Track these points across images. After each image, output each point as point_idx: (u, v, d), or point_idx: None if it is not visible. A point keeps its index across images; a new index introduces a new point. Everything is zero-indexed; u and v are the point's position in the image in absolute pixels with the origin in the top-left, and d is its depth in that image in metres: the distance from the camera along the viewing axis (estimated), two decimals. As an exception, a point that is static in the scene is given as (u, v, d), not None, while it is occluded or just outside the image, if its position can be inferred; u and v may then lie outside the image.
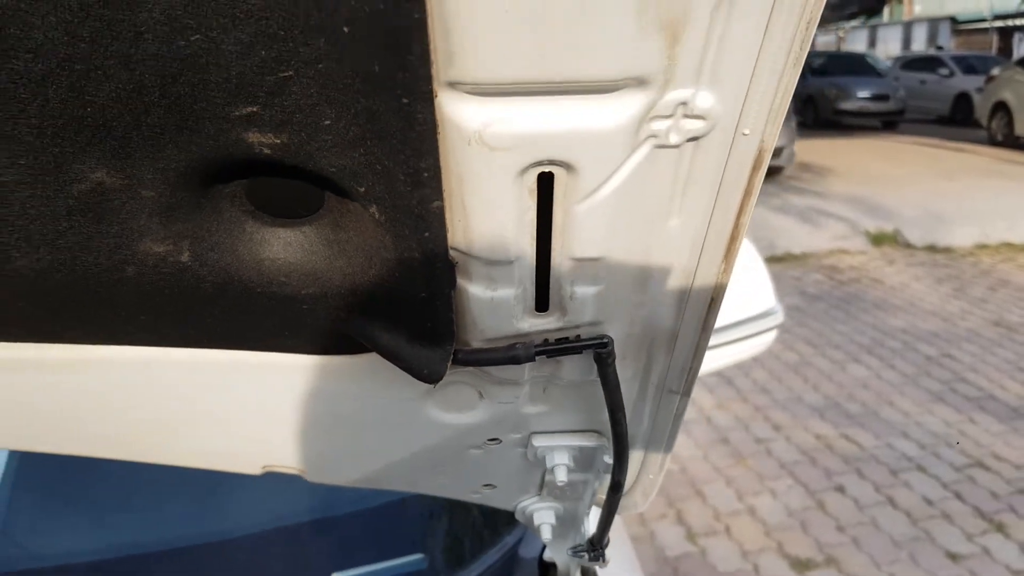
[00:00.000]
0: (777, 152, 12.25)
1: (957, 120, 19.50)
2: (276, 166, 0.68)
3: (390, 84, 0.60)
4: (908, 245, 9.32)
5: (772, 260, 8.59)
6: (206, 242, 0.75)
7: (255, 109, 0.62)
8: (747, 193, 0.74)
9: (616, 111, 0.65)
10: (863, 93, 19.56)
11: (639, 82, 0.63)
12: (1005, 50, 33.26)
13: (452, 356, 0.84)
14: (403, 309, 0.79)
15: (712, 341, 1.77)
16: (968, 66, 21.28)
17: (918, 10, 41.51)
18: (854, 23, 38.01)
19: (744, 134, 0.69)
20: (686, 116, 0.67)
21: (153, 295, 0.80)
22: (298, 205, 0.76)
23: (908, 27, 42.67)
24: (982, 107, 16.99)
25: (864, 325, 6.94)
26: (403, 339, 0.82)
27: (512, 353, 0.85)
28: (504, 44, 0.58)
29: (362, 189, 0.69)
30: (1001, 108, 16.20)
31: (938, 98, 20.99)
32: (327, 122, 0.63)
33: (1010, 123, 15.89)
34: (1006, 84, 16.25)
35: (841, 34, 42.76)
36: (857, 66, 21.75)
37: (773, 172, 12.51)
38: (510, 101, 0.63)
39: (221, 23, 0.57)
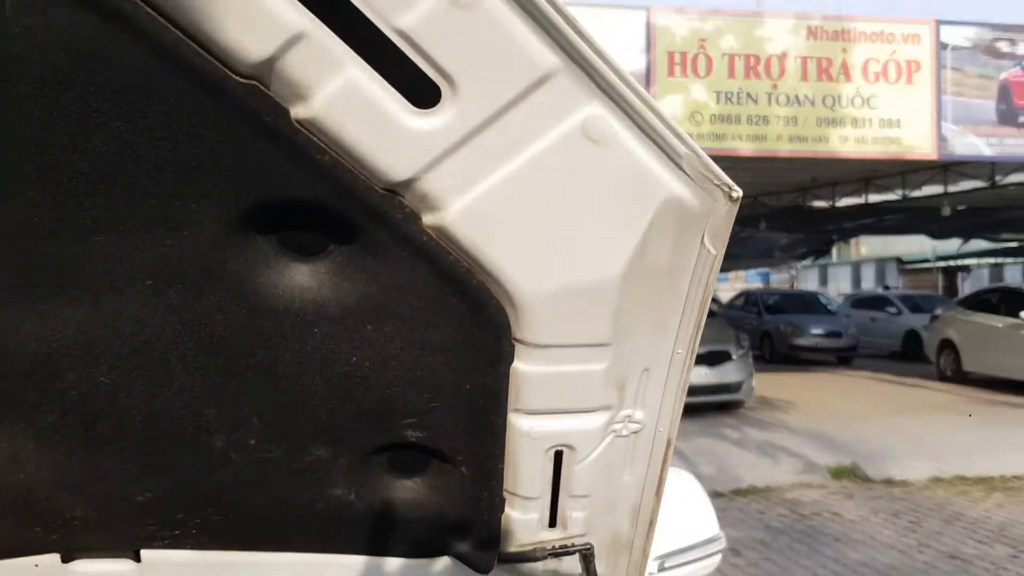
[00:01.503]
0: (737, 387, 13.00)
1: (908, 356, 20.60)
2: (414, 446, 1.30)
3: (489, 407, 1.23)
4: (866, 479, 9.85)
5: (737, 493, 9.08)
6: (365, 487, 1.35)
7: (414, 420, 1.25)
8: (664, 459, 1.36)
9: (596, 421, 1.28)
10: (817, 330, 20.77)
11: (606, 408, 1.27)
12: (950, 288, 35.36)
13: (497, 556, 1.42)
14: (475, 526, 1.38)
15: (666, 563, 2.34)
16: (914, 305, 22.76)
17: (865, 251, 44.33)
18: (805, 263, 40.44)
19: (659, 430, 1.32)
20: (630, 421, 1.30)
21: (324, 518, 1.38)
22: (418, 465, 1.37)
23: (857, 266, 45.42)
24: (930, 344, 18.04)
25: (826, 559, 7.35)
26: (471, 544, 1.41)
27: (536, 554, 1.43)
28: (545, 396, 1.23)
29: (459, 458, 1.30)
30: (948, 346, 17.24)
31: (889, 335, 22.24)
32: (449, 425, 1.26)
33: (957, 360, 16.88)
34: (950, 323, 17.40)
35: (794, 273, 45.35)
36: (810, 304, 23.21)
37: (734, 407, 13.21)
38: (546, 417, 1.26)
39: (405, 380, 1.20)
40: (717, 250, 1.21)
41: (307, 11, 0.97)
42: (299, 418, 1.29)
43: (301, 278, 1.23)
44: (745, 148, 12.00)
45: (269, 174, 1.10)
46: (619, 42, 10.91)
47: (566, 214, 1.14)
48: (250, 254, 1.20)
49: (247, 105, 1.02)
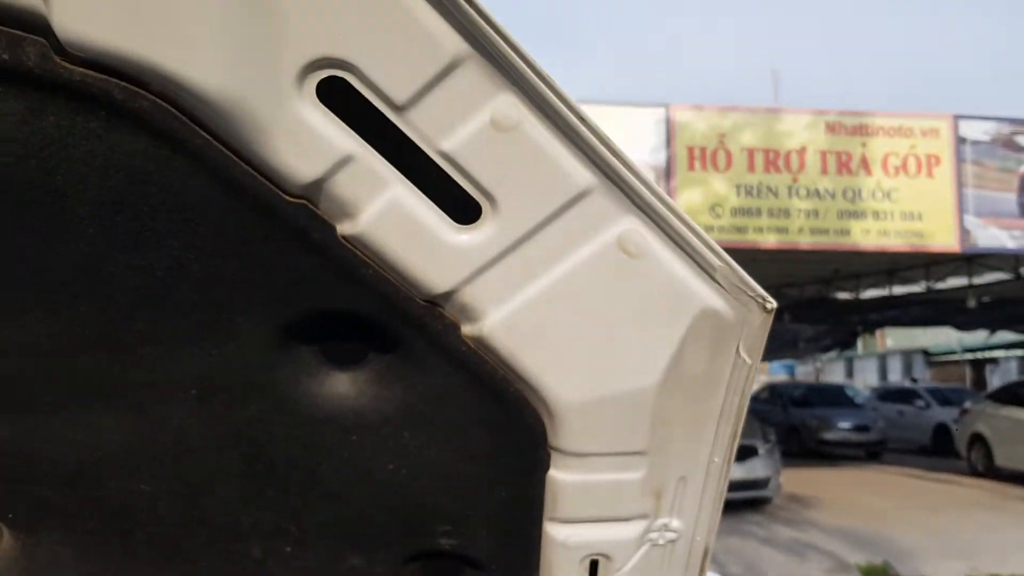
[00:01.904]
0: (764, 483, 12.75)
1: (938, 451, 20.19)
2: (448, 554, 1.29)
3: (524, 515, 1.23)
4: (899, 578, 9.56)
5: (767, 593, 8.83)
6: None
7: (449, 527, 1.25)
8: (701, 568, 1.34)
9: (632, 530, 1.27)
10: (844, 424, 20.45)
11: (643, 516, 1.26)
12: (978, 381, 34.83)
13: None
14: None
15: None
16: (943, 398, 22.42)
17: (891, 343, 43.94)
18: (830, 355, 40.07)
19: (696, 539, 1.31)
20: (666, 530, 1.29)
21: None
22: (451, 574, 1.36)
23: (883, 358, 44.89)
24: (960, 439, 17.71)
25: (860, 661, 7.09)
26: None
27: None
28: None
29: (494, 567, 1.30)
30: (979, 440, 16.92)
31: (917, 429, 21.86)
32: (484, 533, 1.25)
33: (989, 455, 16.55)
34: (980, 417, 17.11)
35: (819, 365, 44.90)
36: (837, 397, 22.90)
37: (761, 503, 12.93)
38: (581, 526, 1.25)
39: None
40: (752, 360, 1.22)
41: (355, 135, 1.02)
42: (336, 526, 1.29)
43: (341, 386, 1.25)
44: (767, 241, 12.06)
45: (314, 287, 1.13)
46: (639, 137, 11.12)
47: (603, 325, 1.16)
48: (292, 364, 1.22)
49: (296, 223, 1.06)
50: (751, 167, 11.96)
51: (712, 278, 1.16)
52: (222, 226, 1.06)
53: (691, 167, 11.81)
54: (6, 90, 0.94)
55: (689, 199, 11.40)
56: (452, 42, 0.98)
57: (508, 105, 1.02)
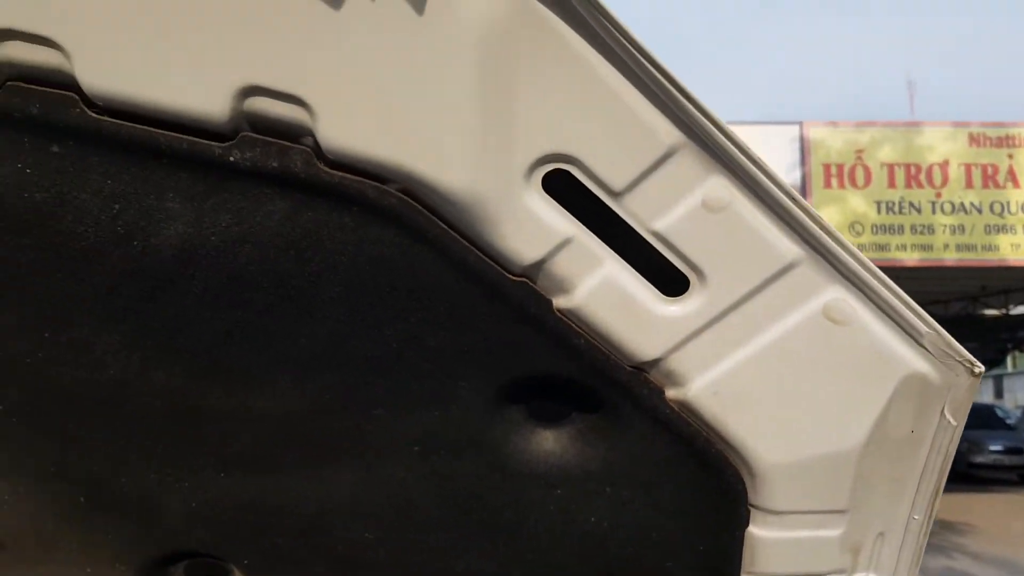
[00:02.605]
0: (913, 511, 12.17)
1: (1103, 475, 18.83)
2: None
3: (722, 570, 1.27)
4: (1066, 615, 8.98)
5: (921, 628, 8.44)
6: None
7: None
8: None
9: None
10: (995, 447, 19.33)
11: (840, 572, 1.29)
12: None
13: None
14: None
15: None
16: (1103, 419, 20.89)
17: (1043, 360, 41.25)
18: (978, 373, 37.87)
19: None
20: None
21: None
22: None
23: (1035, 376, 42.20)
24: None
25: None
26: None
27: None
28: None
29: None
30: None
31: (1077, 451, 20.42)
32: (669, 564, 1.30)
33: None
34: None
35: (966, 384, 42.45)
36: (987, 418, 21.63)
37: (911, 533, 12.34)
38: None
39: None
40: (958, 421, 1.23)
41: (574, 219, 1.10)
42: (541, 575, 1.37)
43: (547, 443, 1.33)
44: (910, 258, 11.61)
45: (529, 355, 1.22)
46: (773, 156, 10.92)
47: (808, 389, 1.20)
48: (503, 423, 1.31)
49: (516, 299, 1.14)
50: (891, 183, 11.56)
51: (919, 344, 1.18)
52: (452, 303, 1.16)
53: (827, 184, 11.51)
54: (274, 192, 1.07)
55: (827, 217, 11.08)
56: (669, 133, 1.05)
57: (719, 187, 1.08)
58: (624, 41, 0.98)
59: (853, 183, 11.53)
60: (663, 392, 1.23)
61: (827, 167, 11.52)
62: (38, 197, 1.09)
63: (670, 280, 1.17)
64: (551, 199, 1.08)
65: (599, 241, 1.12)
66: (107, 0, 0.94)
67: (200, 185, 1.07)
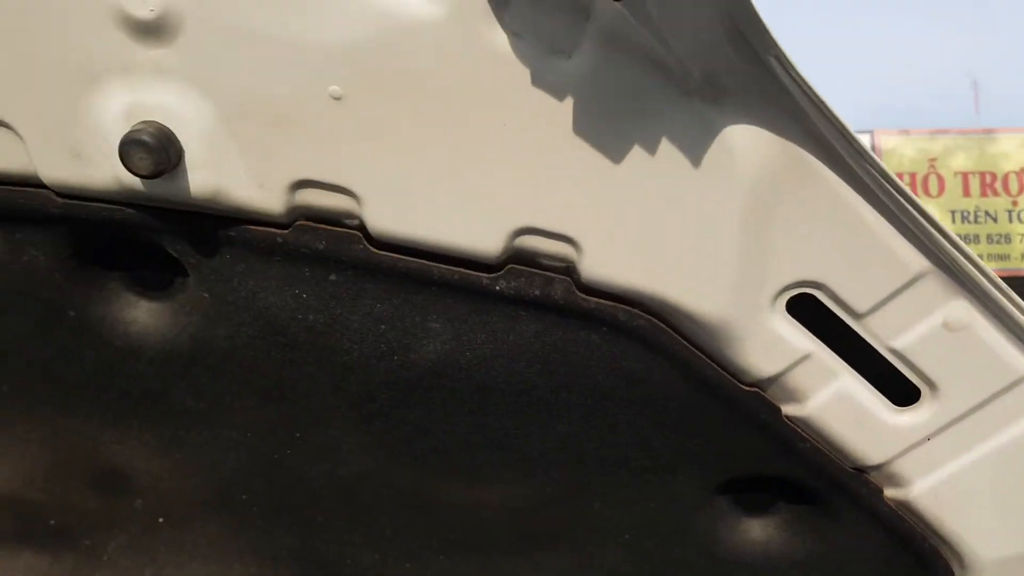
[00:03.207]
0: None
1: None
2: None
3: None
4: None
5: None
6: None
7: None
8: None
9: None
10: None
11: None
12: None
13: None
14: None
15: None
16: None
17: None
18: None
19: None
20: None
21: None
22: None
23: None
24: None
25: None
26: None
27: None
28: None
29: None
30: None
31: None
32: None
33: None
34: None
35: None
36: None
37: None
38: None
39: None
40: None
41: (814, 337, 1.16)
42: None
43: (753, 532, 1.39)
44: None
45: (752, 457, 1.28)
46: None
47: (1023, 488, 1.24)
48: (712, 513, 1.37)
49: (746, 407, 1.21)
50: (966, 192, 11.35)
51: None
52: (684, 411, 1.23)
53: (900, 195, 11.32)
54: (529, 314, 1.15)
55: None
56: (915, 260, 1.10)
57: (960, 309, 1.13)
58: (880, 178, 1.04)
59: (927, 192, 11.35)
60: (882, 492, 1.27)
61: (899, 176, 11.35)
62: (311, 319, 1.18)
63: (899, 387, 1.22)
64: (792, 319, 1.14)
65: (835, 356, 1.18)
66: (399, 154, 1.02)
67: (462, 308, 1.15)
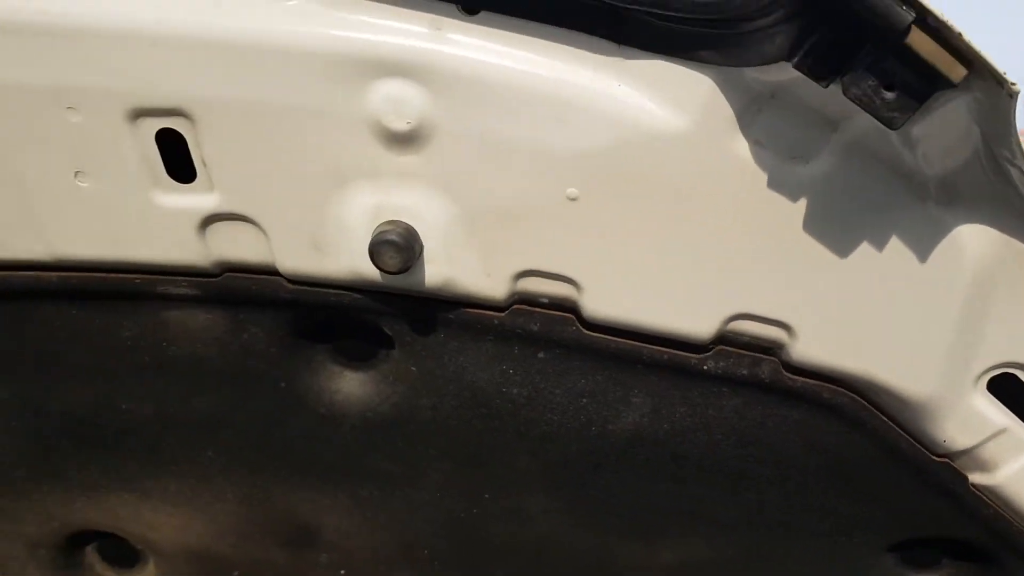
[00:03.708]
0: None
1: None
2: None
3: None
4: None
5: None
6: None
7: None
8: None
9: None
10: None
11: None
12: None
13: None
14: None
15: None
16: None
17: None
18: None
19: None
20: None
21: None
22: None
23: None
24: None
25: None
26: None
27: None
28: None
29: None
30: None
31: None
32: None
33: None
34: None
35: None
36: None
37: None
38: None
39: None
40: None
41: (1011, 413, 1.19)
42: None
43: None
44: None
45: (931, 521, 1.32)
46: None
47: None
48: (882, 570, 1.42)
49: (935, 476, 1.24)
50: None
51: None
52: (872, 480, 1.27)
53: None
54: (731, 391, 1.20)
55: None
56: None
57: None
58: None
59: None
60: None
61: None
62: (515, 392, 1.24)
63: None
64: (992, 396, 1.18)
65: None
66: (626, 247, 1.08)
67: (664, 384, 1.20)
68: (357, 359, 1.31)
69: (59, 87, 1.01)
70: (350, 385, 1.33)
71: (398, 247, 1.04)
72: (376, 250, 1.04)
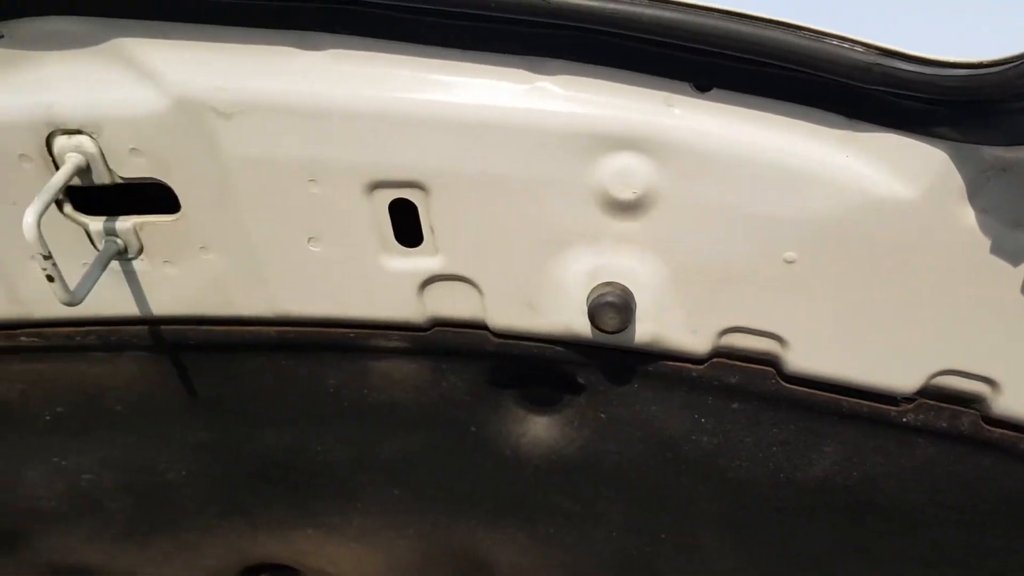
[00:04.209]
0: None
1: None
2: None
3: None
4: None
5: None
6: None
7: None
8: None
9: None
10: None
11: None
12: None
13: None
14: None
15: None
16: None
17: None
18: None
19: None
20: None
21: None
22: None
23: None
24: None
25: None
26: None
27: None
28: None
29: None
30: None
31: None
32: None
33: None
34: None
35: None
36: None
37: None
38: None
39: None
40: None
41: None
42: None
43: None
44: None
45: None
46: None
47: None
48: None
49: None
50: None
51: None
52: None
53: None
54: (926, 441, 1.22)
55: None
56: None
57: None
58: None
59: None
60: None
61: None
62: (704, 440, 1.28)
63: None
64: None
65: None
66: (836, 306, 1.11)
67: (860, 435, 1.23)
68: (542, 404, 1.36)
69: (306, 161, 1.08)
70: (536, 429, 1.38)
71: (617, 308, 1.09)
72: (597, 312, 1.09)
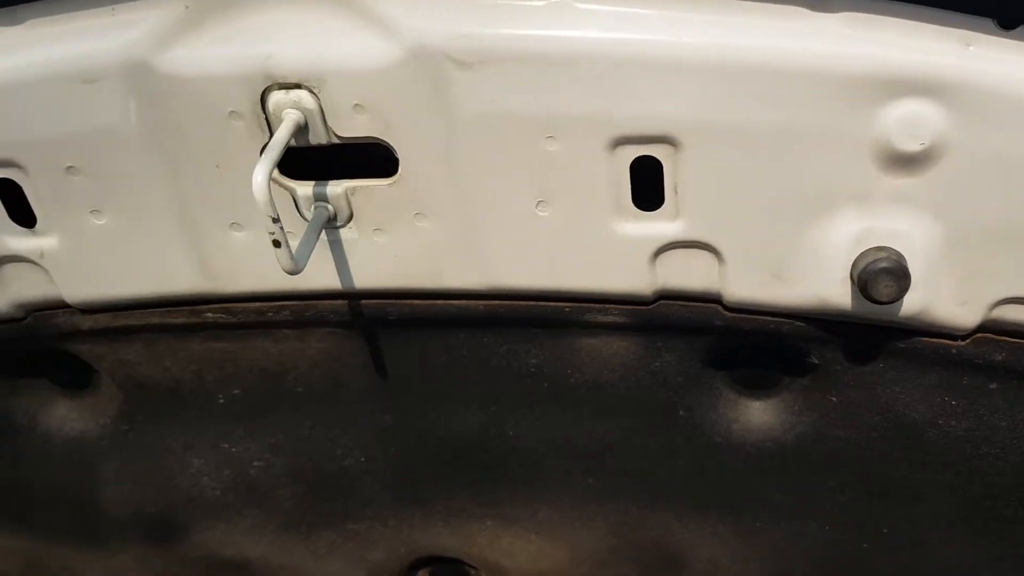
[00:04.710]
0: None
1: None
2: None
3: None
4: None
5: None
6: None
7: None
8: None
9: None
10: None
11: None
12: None
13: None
14: None
15: None
16: None
17: None
18: None
19: None
20: None
21: None
22: None
23: None
24: None
25: None
26: None
27: None
28: None
29: None
30: None
31: None
32: None
33: None
34: None
35: None
36: None
37: None
38: None
39: None
40: None
41: None
42: None
43: None
44: None
45: None
46: None
47: None
48: None
49: None
50: None
51: None
52: None
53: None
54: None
55: None
56: None
57: None
58: None
59: None
60: None
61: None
62: (952, 424, 1.16)
63: None
64: None
65: None
66: None
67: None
68: (760, 387, 1.25)
69: (545, 116, 0.98)
70: (749, 414, 1.27)
71: (896, 275, 0.97)
72: (870, 279, 0.98)
